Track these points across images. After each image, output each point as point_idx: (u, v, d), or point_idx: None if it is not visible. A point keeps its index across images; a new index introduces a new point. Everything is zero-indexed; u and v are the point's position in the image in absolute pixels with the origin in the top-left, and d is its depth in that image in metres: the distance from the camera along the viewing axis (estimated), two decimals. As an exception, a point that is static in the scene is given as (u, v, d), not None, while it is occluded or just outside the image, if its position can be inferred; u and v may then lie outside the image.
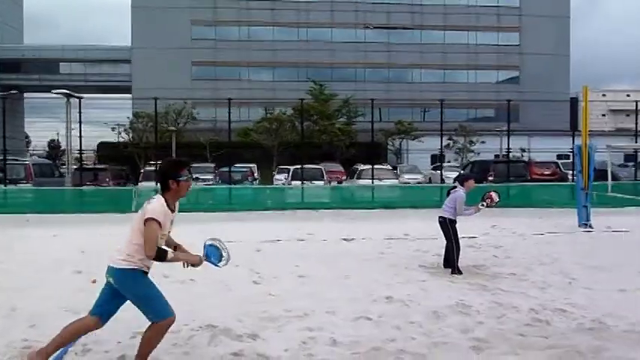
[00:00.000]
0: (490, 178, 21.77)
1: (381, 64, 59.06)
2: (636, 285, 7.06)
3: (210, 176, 22.39)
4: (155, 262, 4.12)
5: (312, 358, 4.63)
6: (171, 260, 4.14)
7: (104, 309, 4.19)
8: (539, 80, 56.82)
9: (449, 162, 33.39)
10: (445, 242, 8.11)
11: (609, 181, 13.25)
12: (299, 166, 20.55)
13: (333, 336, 5.12)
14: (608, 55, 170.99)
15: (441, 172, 23.14)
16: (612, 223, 13.02)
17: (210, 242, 4.44)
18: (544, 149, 32.07)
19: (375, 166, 21.17)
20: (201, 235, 4.88)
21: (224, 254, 4.42)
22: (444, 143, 30.76)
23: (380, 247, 10.22)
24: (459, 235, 8.13)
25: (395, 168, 31.64)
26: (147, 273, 4.16)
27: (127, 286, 4.08)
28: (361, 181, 20.25)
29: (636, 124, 23.41)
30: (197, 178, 19.43)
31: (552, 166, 27.46)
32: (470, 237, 10.67)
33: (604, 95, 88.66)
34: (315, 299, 6.43)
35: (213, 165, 25.57)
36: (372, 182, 19.43)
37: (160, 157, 19.87)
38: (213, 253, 4.39)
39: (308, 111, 29.80)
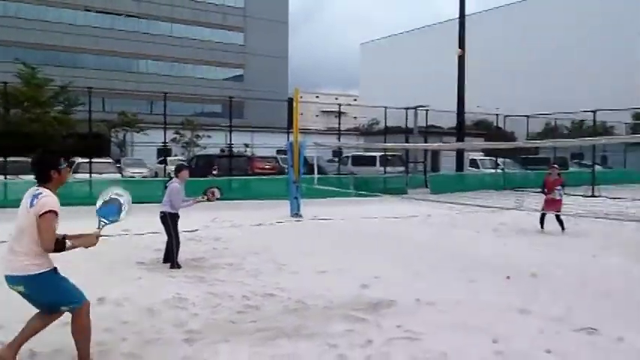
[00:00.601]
0: (214, 172, 22.30)
1: (104, 52, 55.62)
2: (334, 266, 8.00)
3: None
4: None
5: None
6: (70, 248, 4.04)
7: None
8: (261, 79, 60.25)
9: (175, 156, 33.17)
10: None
11: (315, 175, 14.73)
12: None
13: (33, 347, 4.62)
14: (325, 61, 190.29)
15: (165, 167, 22.85)
16: (319, 213, 14.55)
17: (100, 203, 4.40)
18: (266, 145, 34.11)
19: (95, 160, 19.83)
20: None
21: (122, 201, 4.44)
22: (170, 137, 30.46)
23: (96, 245, 9.59)
24: (180, 230, 8.12)
25: (118, 161, 30.14)
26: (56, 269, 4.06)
27: (41, 292, 3.99)
28: (78, 176, 18.74)
29: (339, 124, 26.55)
30: None
31: (272, 161, 29.42)
32: (191, 230, 10.77)
33: (317, 97, 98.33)
34: (12, 307, 5.73)
35: None
36: (90, 176, 18.16)
37: None
38: (111, 211, 4.40)
39: (16, 96, 26.38)
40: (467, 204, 13.65)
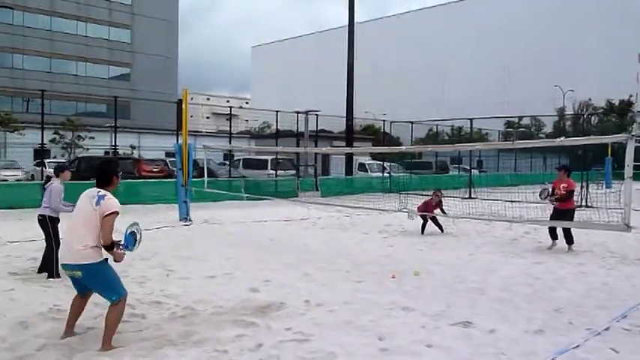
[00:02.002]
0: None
1: (-28, 44, 51.04)
2: (223, 270, 7.91)
3: None
4: None
5: None
6: (113, 252, 4.71)
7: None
8: (149, 79, 58.23)
9: (55, 158, 31.13)
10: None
11: (205, 178, 14.48)
12: None
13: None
14: (215, 63, 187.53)
15: (42, 169, 21.40)
16: (209, 216, 14.32)
17: (130, 231, 4.79)
18: (154, 147, 33.02)
19: (-40, 161, 18.14)
20: None
21: (138, 237, 4.87)
22: (49, 138, 28.54)
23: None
24: (60, 235, 7.60)
25: (-12, 163, 27.81)
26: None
27: (96, 278, 4.70)
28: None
29: (230, 127, 26.30)
30: None
31: (161, 164, 28.53)
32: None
33: (208, 99, 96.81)
34: None
35: None
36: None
37: None
38: (130, 241, 4.80)
39: None
40: (355, 207, 14.06)
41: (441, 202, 12.57)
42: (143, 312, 5.81)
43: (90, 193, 4.76)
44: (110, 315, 4.74)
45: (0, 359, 4.48)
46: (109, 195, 4.73)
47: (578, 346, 4.94)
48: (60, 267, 4.96)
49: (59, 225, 7.51)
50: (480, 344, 4.99)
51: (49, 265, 7.39)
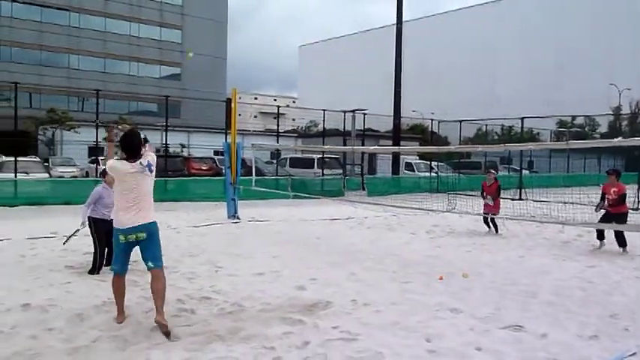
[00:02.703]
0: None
1: (30, 45, 53.11)
2: (271, 268, 7.98)
3: None
4: None
5: None
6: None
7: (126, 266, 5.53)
8: (199, 79, 59.32)
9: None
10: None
11: (253, 176, 14.64)
12: None
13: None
14: (264, 62, 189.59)
15: (97, 166, 22.10)
16: (256, 214, 14.49)
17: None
18: (202, 145, 33.61)
19: (20, 158, 18.91)
20: None
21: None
22: (103, 136, 29.44)
23: (21, 248, 9.18)
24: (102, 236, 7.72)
25: (46, 160, 28.92)
26: None
27: (156, 235, 5.33)
28: (2, 175, 17.82)
29: (277, 126, 26.54)
30: None
31: (209, 162, 29.02)
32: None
33: (256, 98, 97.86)
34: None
35: None
36: (16, 176, 17.29)
37: None
38: None
39: None
40: (402, 206, 13.93)
41: (496, 180, 12.41)
42: (192, 307, 5.92)
43: (134, 167, 5.13)
44: (159, 282, 5.21)
45: (57, 350, 4.64)
46: (152, 156, 5.30)
47: (634, 354, 4.76)
48: (120, 238, 5.17)
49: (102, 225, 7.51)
50: (531, 349, 4.87)
51: (93, 262, 7.55)
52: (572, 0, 65.99)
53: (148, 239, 5.23)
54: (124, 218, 5.16)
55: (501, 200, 12.93)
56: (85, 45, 55.95)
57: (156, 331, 5.10)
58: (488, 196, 12.18)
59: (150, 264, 5.27)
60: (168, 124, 22.74)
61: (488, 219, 12.13)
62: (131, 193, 5.16)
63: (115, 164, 5.24)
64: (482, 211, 12.20)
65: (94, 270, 7.46)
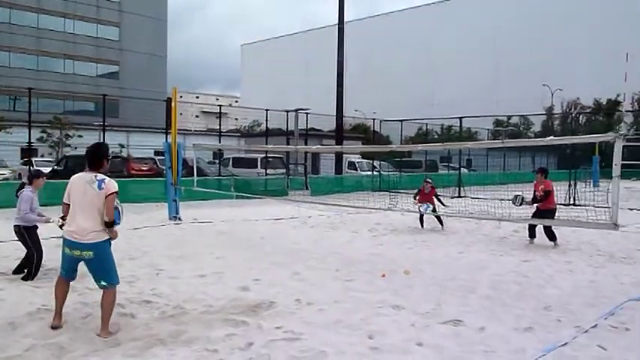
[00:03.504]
0: (86, 174, 21.05)
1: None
2: (213, 269, 7.89)
3: None
4: None
5: None
6: (111, 230, 5.07)
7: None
8: (138, 77, 57.88)
9: (42, 156, 30.89)
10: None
11: (195, 177, 14.43)
12: None
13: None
14: (204, 60, 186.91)
15: (30, 168, 21.22)
16: (198, 215, 14.28)
17: (114, 207, 5.06)
18: (142, 145, 32.78)
19: (-54, 160, 17.93)
20: None
21: (120, 209, 5.25)
22: (37, 136, 28.28)
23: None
24: (41, 239, 7.43)
25: (-25, 162, 27.55)
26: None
27: (104, 258, 5.07)
28: None
29: (219, 125, 26.23)
30: None
31: (150, 162, 28.33)
32: (59, 237, 10.05)
33: (197, 97, 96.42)
34: None
35: None
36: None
37: None
38: (117, 216, 5.16)
39: None
40: (345, 205, 14.06)
41: (434, 188, 12.82)
42: (132, 311, 5.78)
43: (86, 178, 5.04)
44: (107, 299, 5.06)
45: (-12, 360, 4.44)
46: (108, 178, 5.05)
47: (566, 344, 4.98)
48: (65, 249, 5.06)
49: (38, 230, 7.38)
50: (470, 342, 5.02)
51: (30, 272, 7.21)
52: (508, 3, 68.42)
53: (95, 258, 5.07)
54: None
55: (441, 197, 13.32)
56: (18, 42, 53.55)
57: (94, 337, 4.95)
58: (426, 203, 12.50)
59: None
60: (107, 123, 22.09)
61: (433, 216, 12.54)
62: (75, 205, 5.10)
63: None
64: (417, 208, 12.54)
65: (29, 277, 7.15)
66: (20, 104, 44.20)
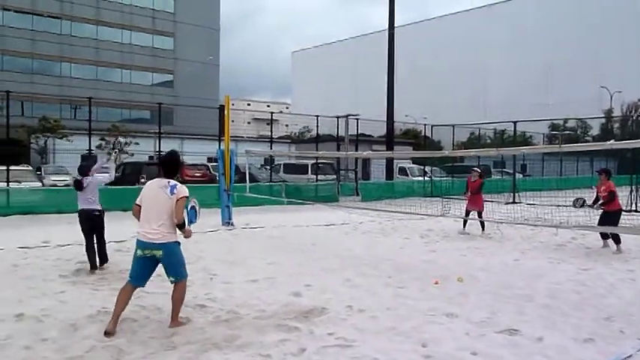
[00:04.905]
0: (142, 180, 21.67)
1: (22, 53, 52.97)
2: (265, 274, 7.96)
3: None
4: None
5: None
6: (184, 230, 5.39)
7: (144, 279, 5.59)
8: (192, 86, 59.34)
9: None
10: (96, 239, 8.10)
11: (247, 183, 14.62)
12: None
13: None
14: (255, 68, 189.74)
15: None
16: (250, 221, 14.46)
17: (191, 206, 5.66)
18: (196, 152, 33.54)
19: (12, 167, 18.79)
20: None
21: (197, 208, 5.76)
22: (96, 144, 29.36)
23: (14, 258, 9.10)
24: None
25: (39, 169, 28.82)
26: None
27: (175, 256, 5.43)
28: (-5, 184, 17.70)
29: (271, 132, 26.53)
30: None
31: (203, 168, 28.92)
32: (119, 241, 10.41)
33: (249, 104, 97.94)
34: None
35: None
36: (8, 185, 17.17)
37: None
38: (192, 215, 5.69)
39: None
40: (396, 211, 13.95)
41: (482, 177, 12.88)
42: (187, 315, 5.88)
43: (160, 184, 5.42)
44: (177, 293, 5.45)
45: (51, 360, 4.61)
46: (179, 184, 5.42)
47: (630, 356, 4.77)
48: (137, 251, 5.42)
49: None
50: (527, 352, 4.87)
51: (101, 255, 8.10)
52: (560, 3, 66.44)
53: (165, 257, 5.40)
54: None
55: (490, 203, 13.08)
56: (78, 53, 55.87)
57: (151, 340, 5.08)
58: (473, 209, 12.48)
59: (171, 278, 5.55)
60: (162, 131, 22.71)
61: (476, 218, 12.40)
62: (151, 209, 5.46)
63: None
64: (465, 208, 12.50)
65: (92, 267, 7.94)
66: (80, 113, 46.04)
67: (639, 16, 60.68)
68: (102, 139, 32.38)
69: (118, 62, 58.47)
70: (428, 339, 5.17)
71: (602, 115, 52.35)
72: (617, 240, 10.21)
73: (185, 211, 5.49)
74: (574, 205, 10.27)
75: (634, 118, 40.01)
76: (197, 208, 5.74)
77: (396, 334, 5.34)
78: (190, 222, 5.57)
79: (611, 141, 7.71)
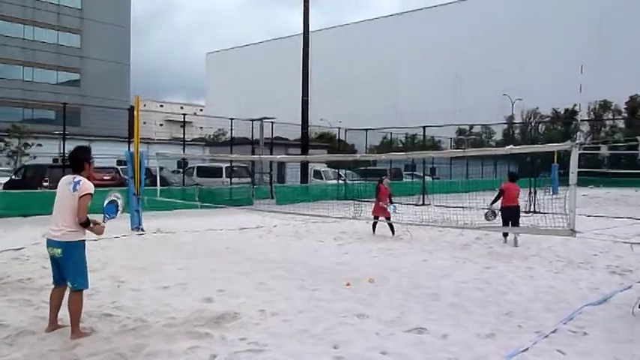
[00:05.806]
0: (45, 184, 20.49)
1: None
2: (177, 281, 7.76)
3: None
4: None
5: None
6: (89, 228, 5.22)
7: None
8: (100, 85, 56.92)
9: (0, 165, 30.04)
10: None
11: (158, 186, 14.22)
12: None
13: None
14: (168, 68, 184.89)
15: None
16: (162, 226, 14.05)
17: (107, 202, 5.52)
18: (105, 154, 32.18)
19: None
20: None
21: (119, 202, 5.62)
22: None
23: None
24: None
25: None
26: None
27: (73, 257, 5.17)
28: None
29: (184, 134, 25.95)
30: None
31: (112, 172, 27.79)
32: (16, 249, 9.79)
33: (161, 106, 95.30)
34: None
35: None
36: None
37: None
38: (110, 210, 5.55)
39: None
40: (310, 214, 14.06)
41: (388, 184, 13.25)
42: (92, 325, 5.62)
43: (66, 180, 5.27)
44: (72, 304, 5.18)
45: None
46: (84, 179, 5.21)
47: (527, 349, 5.07)
48: (48, 250, 5.30)
49: None
50: (434, 350, 5.06)
51: None
52: (469, 14, 69.88)
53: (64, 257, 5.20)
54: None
55: (405, 206, 13.49)
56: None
57: (51, 353, 4.81)
58: (390, 206, 12.78)
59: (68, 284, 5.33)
60: (67, 132, 21.62)
61: (385, 222, 12.76)
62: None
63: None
64: (372, 214, 12.85)
65: None
66: (-24, 112, 42.96)
67: (538, 31, 64.99)
68: (1, 141, 30.35)
69: (20, 59, 55.05)
70: (339, 340, 5.24)
71: (505, 122, 55.51)
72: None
73: (103, 207, 5.52)
74: (487, 219, 10.89)
75: (533, 124, 42.72)
76: (119, 202, 5.64)
77: (308, 336, 5.37)
78: (106, 217, 5.46)
79: (510, 146, 8.18)
